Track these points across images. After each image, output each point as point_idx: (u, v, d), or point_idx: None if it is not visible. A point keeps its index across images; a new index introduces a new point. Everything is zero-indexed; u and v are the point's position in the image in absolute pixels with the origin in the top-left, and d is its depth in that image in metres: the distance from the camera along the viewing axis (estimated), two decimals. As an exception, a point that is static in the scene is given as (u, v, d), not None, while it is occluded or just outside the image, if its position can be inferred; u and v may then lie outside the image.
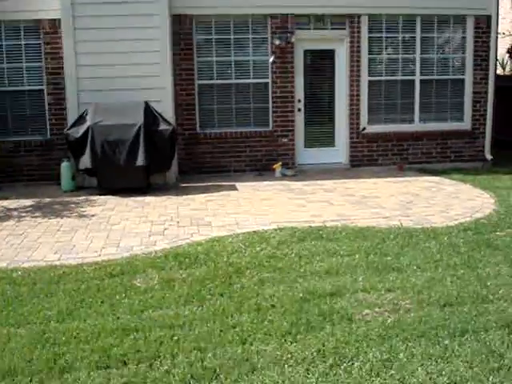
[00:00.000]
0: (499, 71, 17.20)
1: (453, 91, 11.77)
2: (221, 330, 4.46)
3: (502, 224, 7.48)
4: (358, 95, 11.30)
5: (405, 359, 4.00)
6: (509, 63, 18.29)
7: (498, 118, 12.29)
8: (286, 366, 3.94)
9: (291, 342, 4.24)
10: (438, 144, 11.71)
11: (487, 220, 7.68)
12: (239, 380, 3.77)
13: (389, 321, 4.60)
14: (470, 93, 11.70)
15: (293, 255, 6.13)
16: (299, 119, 11.32)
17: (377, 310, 4.82)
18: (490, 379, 3.74)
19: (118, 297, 5.14)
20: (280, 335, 4.35)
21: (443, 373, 3.82)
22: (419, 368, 3.88)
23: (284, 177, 10.71)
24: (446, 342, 4.25)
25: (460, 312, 4.78)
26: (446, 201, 8.80)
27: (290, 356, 4.05)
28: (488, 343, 4.23)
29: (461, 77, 11.71)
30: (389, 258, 6.08)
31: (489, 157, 11.86)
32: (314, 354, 4.08)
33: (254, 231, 7.01)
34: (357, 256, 6.12)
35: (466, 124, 11.81)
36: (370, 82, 11.38)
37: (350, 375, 3.80)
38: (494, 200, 8.88)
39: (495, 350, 4.13)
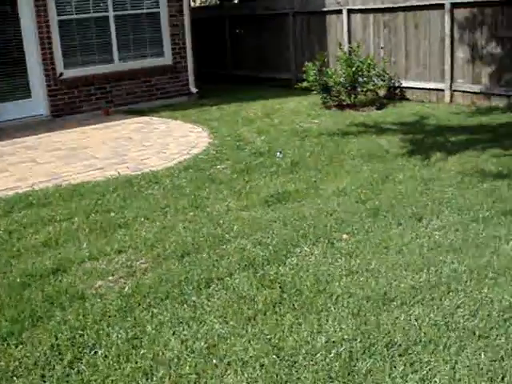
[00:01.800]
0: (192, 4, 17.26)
1: (150, 26, 11.27)
2: None
3: (220, 157, 7.35)
4: (49, 38, 10.14)
5: (153, 331, 3.50)
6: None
7: (199, 50, 12.24)
8: (14, 378, 3.15)
9: (16, 345, 3.43)
10: (143, 82, 11.22)
11: (205, 154, 7.49)
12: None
13: (126, 288, 4.04)
14: (167, 26, 11.32)
15: (0, 233, 5.17)
16: (-17, 71, 9.83)
17: (110, 278, 4.22)
18: (249, 330, 3.44)
19: None
20: (0, 338, 3.52)
21: (198, 336, 3.42)
22: (172, 338, 3.42)
23: (-24, 139, 9.26)
24: (194, 298, 3.86)
25: (200, 260, 4.42)
26: (161, 140, 8.42)
27: (17, 364, 3.26)
28: (236, 289, 3.94)
29: (155, 10, 11.23)
30: (112, 215, 5.48)
31: (194, 90, 11.77)
32: (47, 352, 3.34)
33: None
34: (76, 219, 5.39)
35: (167, 59, 11.47)
36: (60, 22, 10.28)
37: (95, 369, 3.17)
38: (207, 133, 8.76)
39: (245, 294, 3.86)
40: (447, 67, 10.07)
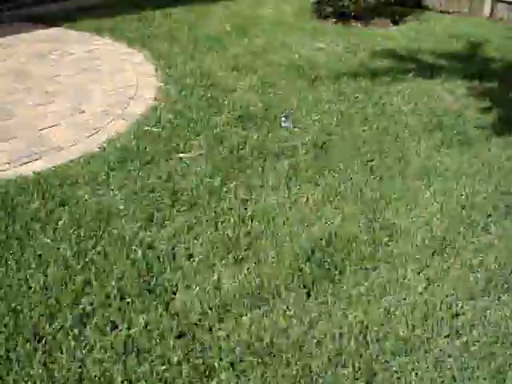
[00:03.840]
0: None
1: None
2: None
3: (182, 126, 4.15)
4: None
5: None
6: None
7: None
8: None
9: None
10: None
11: (155, 120, 4.25)
12: None
13: None
14: None
15: None
16: None
17: None
18: None
19: None
20: None
21: None
22: None
23: None
24: None
25: None
26: (79, 80, 5.06)
27: None
28: None
29: None
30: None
31: (126, -16, 8.13)
32: None
33: None
34: None
35: None
36: None
37: None
38: (153, 65, 5.42)
39: None
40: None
